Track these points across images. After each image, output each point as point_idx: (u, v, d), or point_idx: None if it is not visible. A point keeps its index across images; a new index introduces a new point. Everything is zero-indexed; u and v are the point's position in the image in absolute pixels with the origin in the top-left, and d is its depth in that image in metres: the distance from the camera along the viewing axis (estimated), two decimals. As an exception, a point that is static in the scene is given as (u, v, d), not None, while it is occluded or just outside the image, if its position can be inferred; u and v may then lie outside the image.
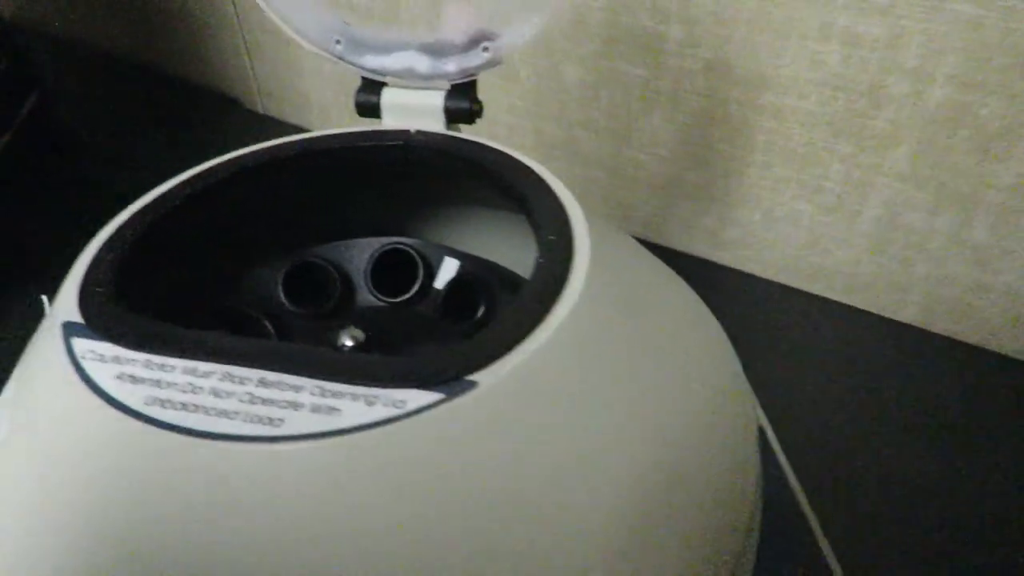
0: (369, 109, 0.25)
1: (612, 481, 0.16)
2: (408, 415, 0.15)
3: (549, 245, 0.18)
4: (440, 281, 0.25)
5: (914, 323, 0.43)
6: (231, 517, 0.14)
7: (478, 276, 0.24)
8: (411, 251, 0.25)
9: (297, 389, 0.15)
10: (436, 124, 0.24)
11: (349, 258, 0.25)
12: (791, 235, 0.45)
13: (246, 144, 0.23)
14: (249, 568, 0.13)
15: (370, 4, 0.53)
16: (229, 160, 0.23)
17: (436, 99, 0.24)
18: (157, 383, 0.16)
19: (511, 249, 0.25)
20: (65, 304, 0.18)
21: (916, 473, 0.35)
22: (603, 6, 0.43)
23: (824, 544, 0.29)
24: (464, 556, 0.14)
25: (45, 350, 0.17)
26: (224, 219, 0.23)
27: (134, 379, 0.16)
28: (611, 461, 0.16)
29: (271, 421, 0.15)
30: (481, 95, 0.25)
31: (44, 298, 0.23)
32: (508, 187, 0.21)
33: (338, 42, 0.24)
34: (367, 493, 0.14)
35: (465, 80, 0.24)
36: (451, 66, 0.24)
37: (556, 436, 0.15)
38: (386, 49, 0.24)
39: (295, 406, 0.15)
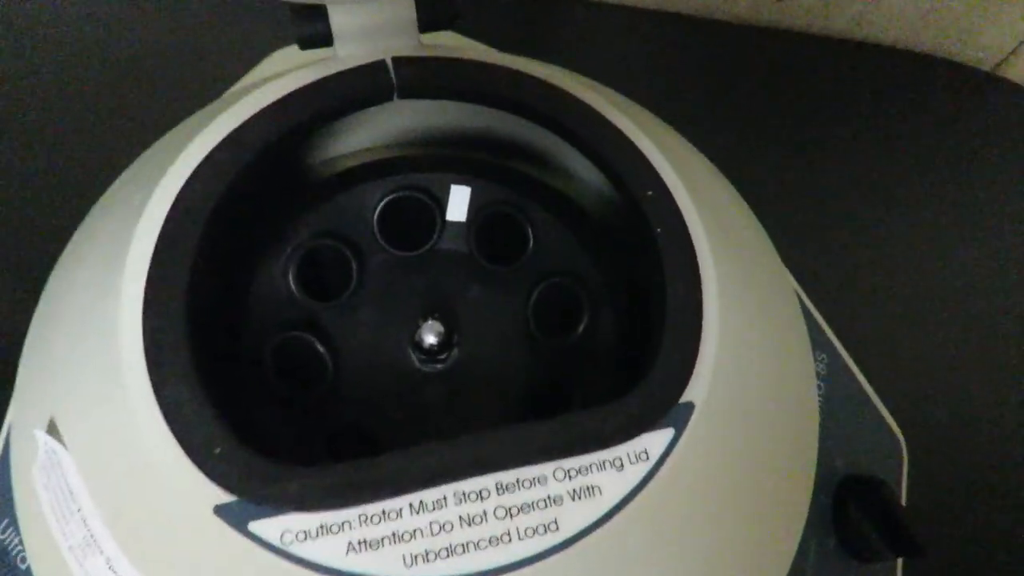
0: (316, 40, 0.19)
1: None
2: (658, 465, 0.15)
3: (665, 232, 0.17)
4: (453, 213, 0.22)
5: (744, 19, 0.46)
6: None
7: (506, 202, 0.22)
8: (417, 194, 0.21)
9: (542, 481, 0.15)
10: (409, 40, 0.19)
11: (348, 218, 0.21)
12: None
13: None
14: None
15: None
16: (210, 157, 0.17)
17: (406, 9, 0.19)
18: (397, 537, 0.15)
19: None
20: (192, 483, 0.15)
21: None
22: None
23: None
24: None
25: (210, 549, 0.15)
26: (221, 225, 0.18)
27: (368, 544, 0.14)
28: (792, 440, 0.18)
29: (547, 528, 0.15)
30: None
31: (40, 434, 0.18)
32: (588, 146, 0.19)
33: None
34: (666, 552, 0.15)
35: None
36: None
37: (764, 427, 0.17)
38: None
39: (555, 500, 0.15)
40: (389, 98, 0.19)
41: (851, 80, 0.44)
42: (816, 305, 0.31)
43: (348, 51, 0.19)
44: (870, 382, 0.27)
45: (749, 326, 0.18)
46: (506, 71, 0.19)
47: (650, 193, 0.18)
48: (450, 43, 0.23)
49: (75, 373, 0.17)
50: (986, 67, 0.45)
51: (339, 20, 0.19)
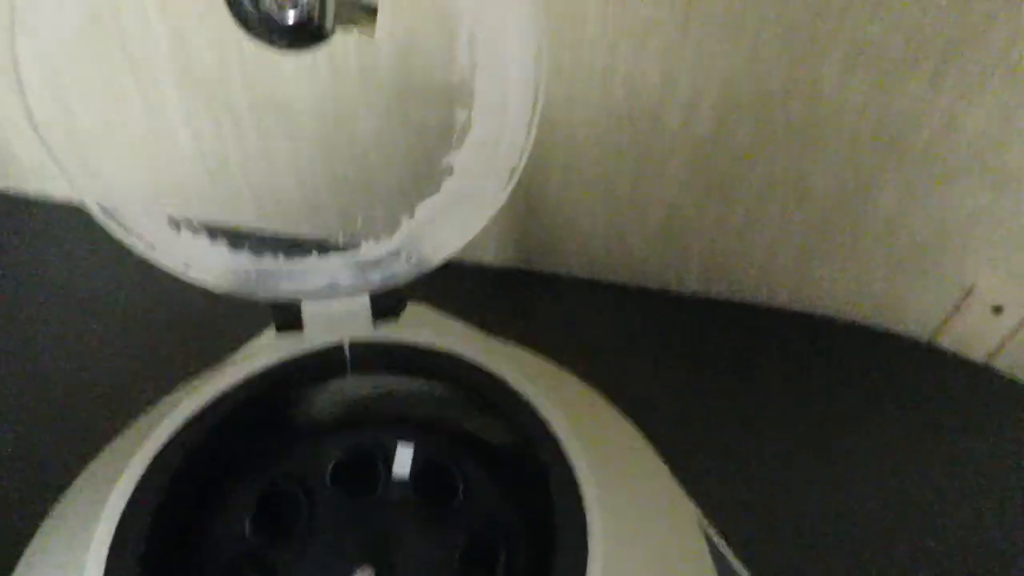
0: (290, 325, 0.23)
1: None
2: None
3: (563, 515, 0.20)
4: (399, 468, 0.25)
5: (696, 292, 0.52)
6: None
7: (444, 457, 0.24)
8: (370, 451, 0.24)
9: None
10: (365, 325, 0.24)
11: (303, 471, 0.24)
12: (590, 232, 0.50)
13: None
14: None
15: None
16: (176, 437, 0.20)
17: (363, 306, 0.23)
18: None
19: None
20: None
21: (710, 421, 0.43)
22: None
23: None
24: None
25: None
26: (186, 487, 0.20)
27: None
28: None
29: None
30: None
31: None
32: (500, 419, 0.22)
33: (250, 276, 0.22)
34: None
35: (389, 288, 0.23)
36: (375, 277, 0.23)
37: None
38: (304, 272, 0.22)
39: None
40: (343, 374, 0.23)
41: (796, 349, 0.48)
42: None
43: (315, 334, 0.23)
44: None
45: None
46: (443, 356, 0.23)
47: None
48: (421, 315, 0.27)
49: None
50: (924, 338, 0.49)
51: (311, 313, 0.23)
